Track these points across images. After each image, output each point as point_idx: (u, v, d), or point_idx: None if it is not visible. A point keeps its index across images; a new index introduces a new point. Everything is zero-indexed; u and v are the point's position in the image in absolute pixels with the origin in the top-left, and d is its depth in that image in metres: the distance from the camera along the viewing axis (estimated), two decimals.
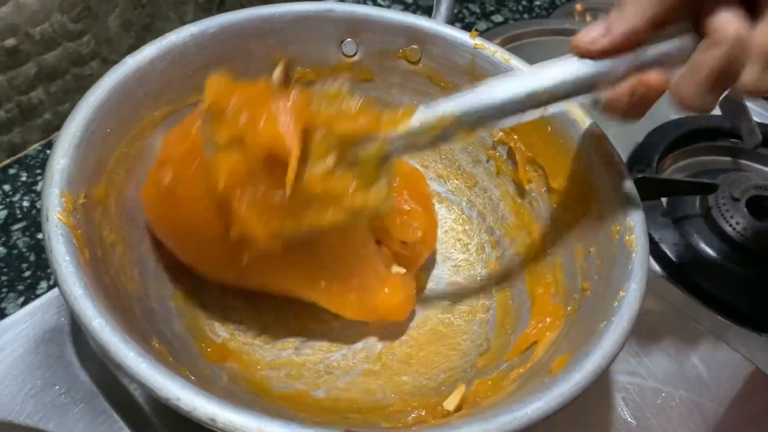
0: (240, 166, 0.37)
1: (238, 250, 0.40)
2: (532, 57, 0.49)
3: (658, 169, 0.69)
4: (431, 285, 0.54)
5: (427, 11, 0.89)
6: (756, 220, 0.63)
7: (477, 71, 0.52)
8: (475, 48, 0.52)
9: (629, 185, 0.44)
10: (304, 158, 0.37)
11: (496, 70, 0.51)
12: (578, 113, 0.46)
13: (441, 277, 0.55)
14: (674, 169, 0.72)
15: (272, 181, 0.37)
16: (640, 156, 0.69)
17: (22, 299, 0.55)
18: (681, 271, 0.61)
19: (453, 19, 0.57)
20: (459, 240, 0.57)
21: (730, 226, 0.63)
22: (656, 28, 0.35)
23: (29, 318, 0.48)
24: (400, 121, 0.38)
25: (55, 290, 0.50)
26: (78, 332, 0.47)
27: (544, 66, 0.38)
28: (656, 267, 0.62)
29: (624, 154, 0.70)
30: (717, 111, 0.73)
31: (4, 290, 0.55)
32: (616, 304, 0.37)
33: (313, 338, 0.49)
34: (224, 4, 0.77)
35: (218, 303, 0.49)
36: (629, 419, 0.49)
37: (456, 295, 0.53)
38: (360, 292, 0.46)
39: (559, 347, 0.40)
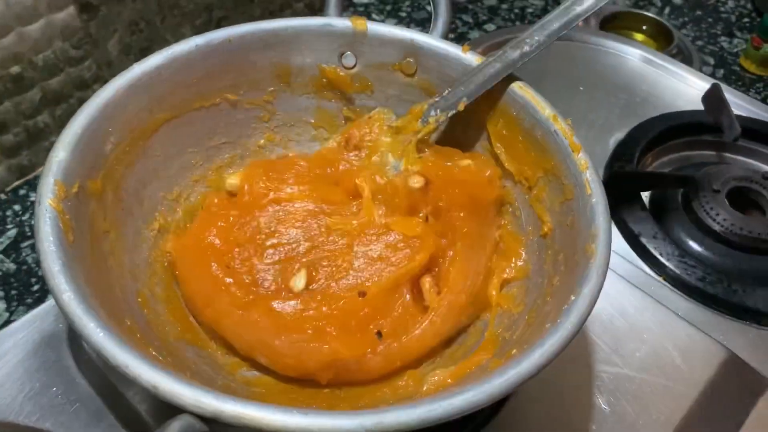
0: None
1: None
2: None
3: (640, 164, 0.70)
4: None
5: (421, 24, 0.92)
6: (737, 211, 0.64)
7: None
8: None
9: (599, 192, 0.44)
10: None
11: None
12: (561, 126, 0.48)
13: None
14: (657, 165, 0.73)
15: None
16: (622, 152, 0.70)
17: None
18: (660, 264, 0.62)
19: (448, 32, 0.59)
20: None
21: (711, 218, 0.64)
22: None
23: (29, 325, 0.51)
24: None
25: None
26: (74, 338, 0.50)
27: None
28: (640, 262, 0.63)
29: (606, 150, 0.72)
30: (699, 106, 0.74)
31: (14, 303, 0.59)
32: (566, 307, 0.38)
33: None
34: (221, 27, 0.80)
35: None
36: (604, 406, 0.50)
37: None
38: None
39: (514, 345, 0.42)
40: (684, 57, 0.92)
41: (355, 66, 0.56)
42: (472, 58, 0.52)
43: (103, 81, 0.71)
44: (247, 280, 0.47)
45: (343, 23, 0.54)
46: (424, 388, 0.43)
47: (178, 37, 0.76)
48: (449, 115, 0.52)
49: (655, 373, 0.53)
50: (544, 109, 0.48)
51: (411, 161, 0.52)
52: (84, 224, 0.41)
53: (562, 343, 0.36)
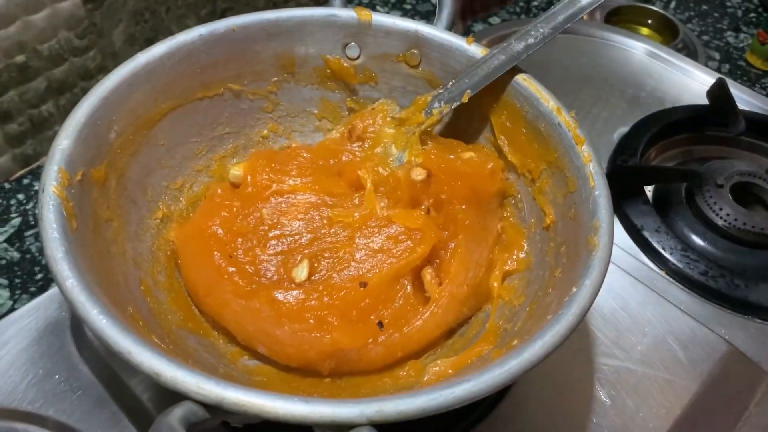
0: None
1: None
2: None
3: (644, 158, 0.70)
4: None
5: (425, 16, 0.92)
6: (740, 206, 0.64)
7: None
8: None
9: (602, 184, 0.44)
10: None
11: None
12: (564, 118, 0.48)
13: None
14: (661, 159, 0.73)
15: None
16: (626, 145, 0.70)
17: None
18: (662, 258, 0.62)
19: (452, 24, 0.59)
20: None
21: (714, 212, 0.64)
22: None
23: (33, 313, 0.51)
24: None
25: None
26: (77, 326, 0.51)
27: None
28: (642, 255, 0.63)
29: (610, 143, 0.72)
30: (704, 100, 0.74)
31: (18, 292, 0.59)
32: (567, 298, 0.39)
33: None
34: (225, 17, 0.80)
35: None
36: (604, 399, 0.51)
37: None
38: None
39: (515, 336, 0.42)
40: (689, 51, 0.92)
41: (359, 57, 0.56)
42: (476, 50, 0.52)
43: (108, 71, 0.71)
44: (249, 270, 0.47)
45: (347, 14, 0.54)
46: (425, 378, 0.44)
47: (182, 28, 0.76)
48: (453, 106, 0.52)
49: (656, 366, 0.53)
50: (547, 101, 0.48)
51: (414, 153, 0.52)
52: (87, 212, 0.41)
53: (563, 334, 0.36)
